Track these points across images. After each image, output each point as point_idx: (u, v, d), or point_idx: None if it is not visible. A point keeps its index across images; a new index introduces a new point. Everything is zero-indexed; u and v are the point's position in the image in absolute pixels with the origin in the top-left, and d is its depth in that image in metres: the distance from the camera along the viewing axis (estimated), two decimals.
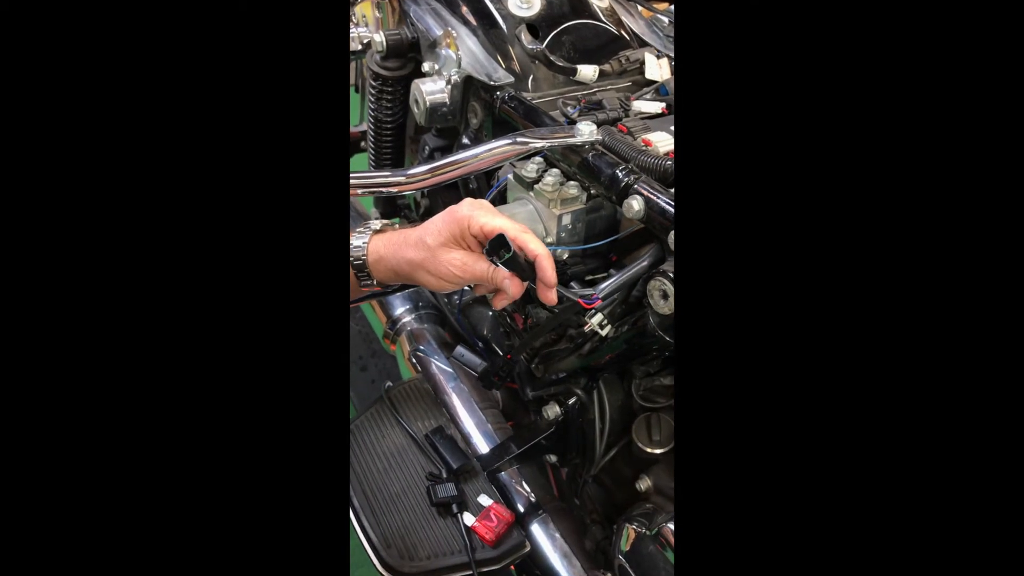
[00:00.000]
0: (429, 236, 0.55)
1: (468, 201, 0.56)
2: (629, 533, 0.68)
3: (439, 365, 0.91)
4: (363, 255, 0.57)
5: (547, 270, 0.53)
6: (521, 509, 0.75)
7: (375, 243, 0.58)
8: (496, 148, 0.62)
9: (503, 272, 0.53)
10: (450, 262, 0.54)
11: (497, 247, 0.51)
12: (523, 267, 0.53)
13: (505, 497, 0.73)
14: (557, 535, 0.74)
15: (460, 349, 0.79)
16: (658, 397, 0.75)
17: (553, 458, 0.76)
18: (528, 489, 0.77)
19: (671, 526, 0.64)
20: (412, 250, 0.55)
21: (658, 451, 0.72)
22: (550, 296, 0.54)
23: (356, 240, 0.58)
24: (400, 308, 1.02)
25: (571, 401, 0.72)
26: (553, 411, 0.72)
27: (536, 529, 0.75)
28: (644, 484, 0.71)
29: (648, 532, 0.66)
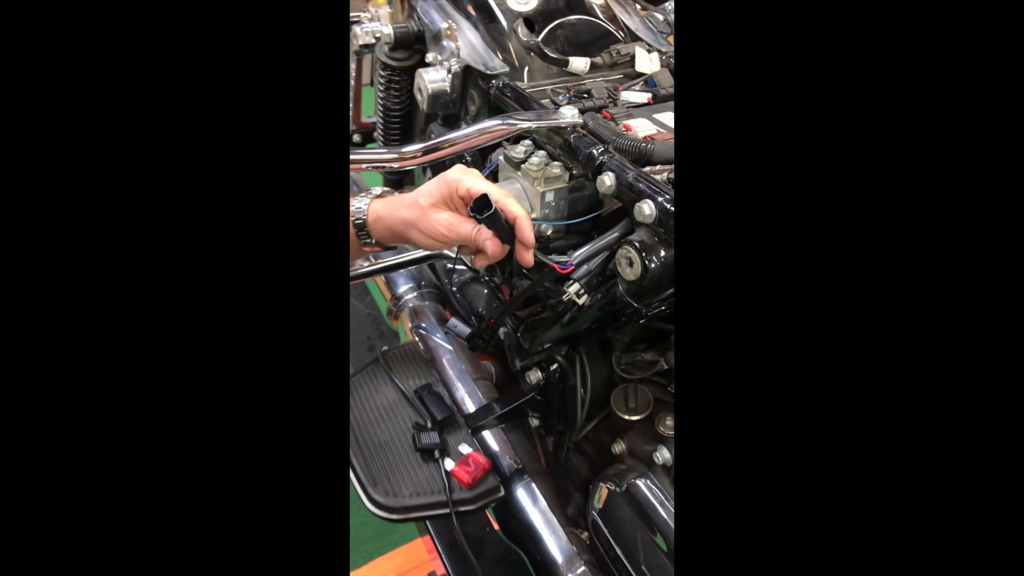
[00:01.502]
0: (422, 197, 0.61)
1: (458, 167, 0.62)
2: (602, 492, 0.73)
3: (437, 340, 0.97)
4: (363, 215, 0.63)
5: (525, 231, 0.59)
6: (507, 473, 0.80)
7: (375, 205, 0.63)
8: (486, 128, 0.68)
9: (486, 233, 0.59)
10: (439, 222, 0.60)
11: (480, 207, 0.56)
12: (504, 228, 0.58)
13: (493, 461, 0.78)
14: (540, 497, 0.79)
15: (453, 320, 0.85)
16: (636, 370, 0.80)
17: (536, 421, 0.81)
18: (514, 454, 0.83)
19: (640, 482, 0.69)
20: (406, 210, 0.61)
21: (634, 418, 0.77)
22: (527, 257, 0.60)
23: (358, 202, 0.64)
24: (403, 286, 1.08)
25: (552, 368, 0.77)
26: (535, 376, 0.77)
27: (520, 491, 0.80)
28: (619, 448, 0.76)
29: (619, 489, 0.71)
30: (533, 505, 0.78)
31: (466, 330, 0.84)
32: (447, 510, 0.61)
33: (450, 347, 0.93)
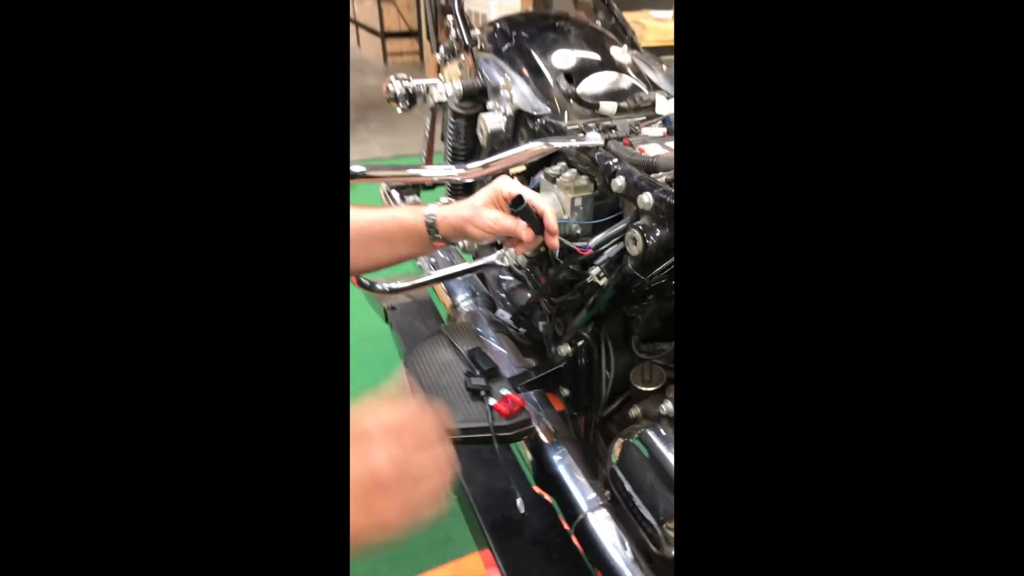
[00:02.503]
0: (476, 199, 0.81)
1: (503, 177, 0.82)
2: (618, 446, 0.87)
3: (488, 339, 1.15)
4: (433, 217, 0.84)
5: (550, 222, 0.78)
6: (542, 437, 0.95)
7: (441, 210, 0.84)
8: (530, 147, 0.88)
9: (522, 224, 0.78)
10: (488, 217, 0.79)
11: (516, 203, 0.76)
12: (535, 219, 0.77)
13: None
14: (567, 453, 0.94)
15: (500, 312, 1.03)
16: (652, 353, 0.95)
17: (567, 392, 0.96)
18: (548, 424, 0.98)
19: (649, 431, 0.83)
20: (465, 210, 0.81)
21: (649, 388, 0.91)
22: (553, 241, 0.78)
23: (429, 208, 0.85)
24: (461, 295, 1.27)
25: (580, 343, 0.94)
26: (565, 349, 0.93)
27: (551, 449, 0.95)
28: (635, 411, 0.90)
29: (632, 439, 0.85)
30: (561, 460, 0.92)
31: (508, 318, 1.02)
32: (488, 434, 0.77)
33: (498, 342, 1.11)
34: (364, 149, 3.89)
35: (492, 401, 0.79)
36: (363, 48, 6.81)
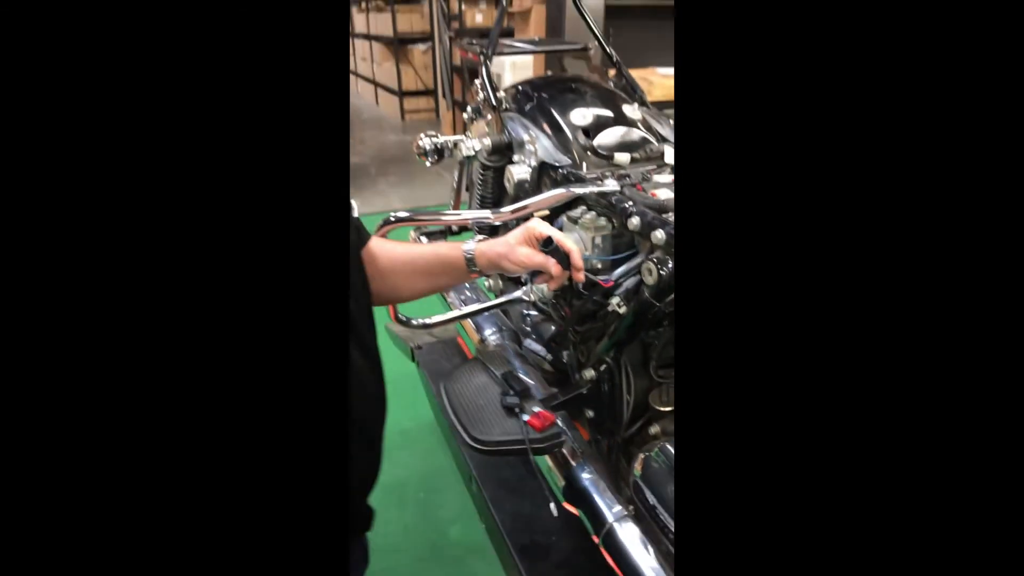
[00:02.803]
0: (511, 238, 0.92)
1: (534, 219, 0.93)
2: (639, 461, 0.95)
3: (515, 368, 1.24)
4: (472, 252, 0.95)
5: (576, 259, 0.88)
6: (569, 459, 1.04)
7: (479, 246, 0.95)
8: (555, 194, 1.00)
9: (552, 260, 0.89)
10: (522, 253, 0.90)
11: (547, 243, 0.87)
12: (562, 256, 0.88)
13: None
14: (592, 470, 1.02)
15: (528, 342, 1.13)
16: (668, 377, 1.04)
17: (590, 413, 1.05)
18: (575, 444, 1.06)
19: (668, 444, 0.91)
20: (501, 246, 0.92)
21: (666, 408, 1.00)
22: (579, 276, 0.89)
23: (468, 244, 0.96)
24: (488, 330, 1.37)
25: (602, 368, 1.03)
26: (589, 374, 1.03)
27: (579, 471, 1.03)
28: (654, 429, 0.99)
29: (652, 454, 0.93)
30: (588, 477, 1.01)
31: (539, 347, 1.12)
32: (524, 446, 0.86)
33: (525, 372, 1.20)
34: (384, 201, 4.07)
35: (526, 417, 0.88)
36: (382, 106, 7.14)
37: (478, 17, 5.25)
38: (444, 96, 5.82)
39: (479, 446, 0.87)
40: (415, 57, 6.22)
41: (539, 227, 0.90)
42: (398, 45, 6.16)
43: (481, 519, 1.46)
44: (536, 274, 0.93)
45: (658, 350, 1.02)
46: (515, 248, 0.91)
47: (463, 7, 5.10)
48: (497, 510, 1.31)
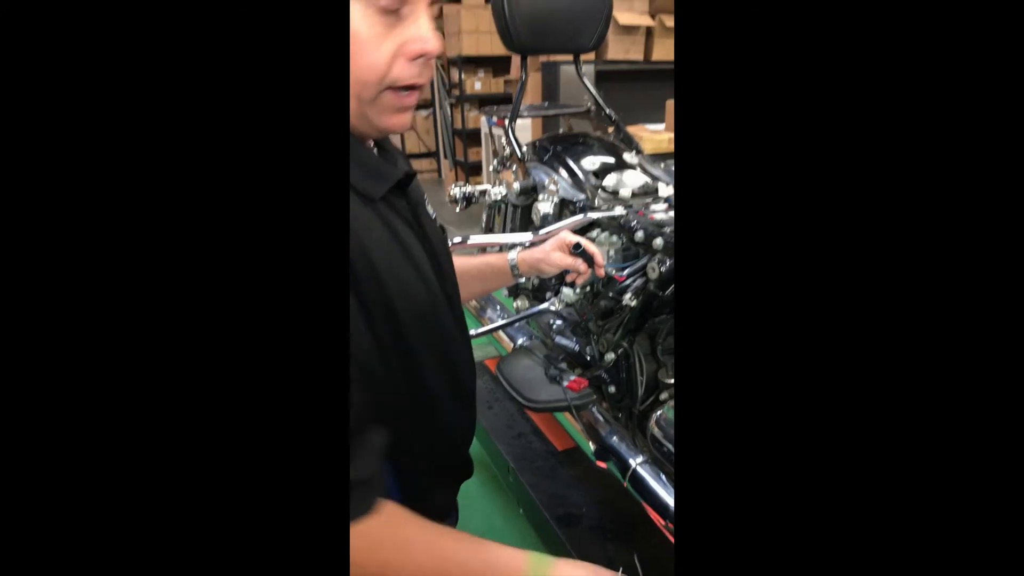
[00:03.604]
0: (547, 246, 1.22)
1: (564, 232, 1.24)
2: (653, 419, 1.23)
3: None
4: (515, 260, 1.25)
5: (599, 258, 1.19)
6: (596, 427, 1.31)
7: (520, 254, 1.25)
8: (576, 219, 1.32)
9: (580, 260, 1.19)
10: (556, 256, 1.20)
11: (577, 246, 1.18)
12: (588, 258, 1.19)
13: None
14: (617, 435, 1.29)
15: (557, 338, 1.42)
16: (672, 356, 1.33)
17: (612, 389, 1.33)
18: (601, 412, 1.34)
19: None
20: (539, 252, 1.22)
21: (672, 380, 1.29)
22: (600, 271, 1.19)
23: (512, 254, 1.26)
24: (520, 338, 1.67)
25: (619, 351, 1.32)
26: (609, 356, 1.32)
27: (606, 433, 1.30)
28: (664, 395, 1.27)
29: (663, 411, 1.21)
30: (613, 435, 1.28)
31: (567, 341, 1.41)
32: (566, 403, 1.14)
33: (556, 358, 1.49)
34: None
35: (565, 382, 1.16)
36: None
37: (476, 84, 5.75)
38: (446, 156, 6.26)
39: (532, 404, 1.15)
40: (417, 122, 6.71)
41: (568, 236, 1.21)
42: None
43: (519, 504, 1.71)
44: (564, 276, 1.23)
45: (663, 337, 1.32)
46: (550, 253, 1.21)
47: (463, 76, 5.59)
48: (534, 490, 1.57)
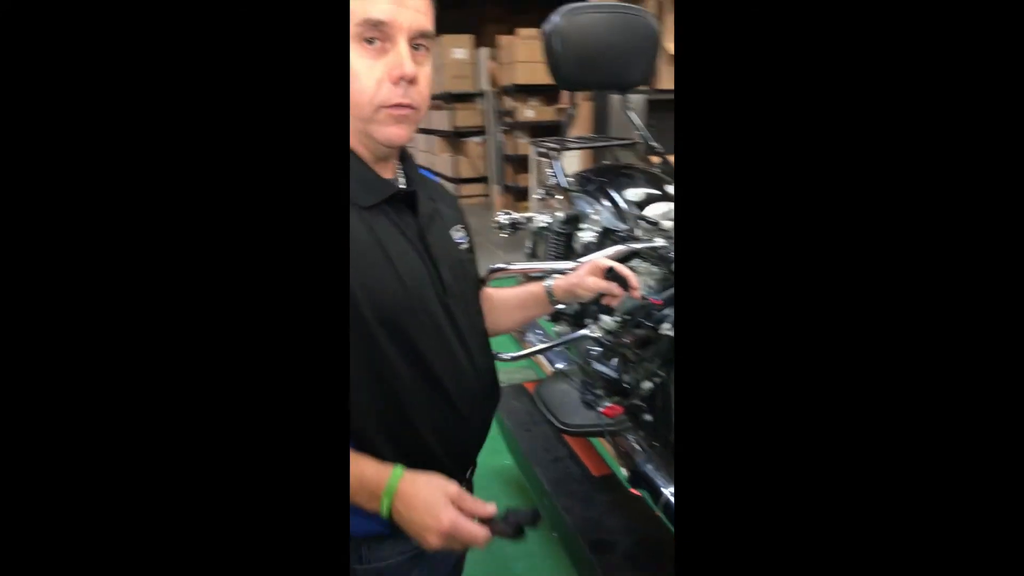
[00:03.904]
0: (581, 271, 1.26)
1: (598, 257, 1.28)
2: None
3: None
4: (551, 286, 1.29)
5: (633, 280, 1.21)
6: (631, 455, 1.33)
7: (556, 281, 1.29)
8: (618, 248, 1.36)
9: (614, 284, 1.22)
10: (590, 280, 1.23)
11: (610, 270, 1.21)
12: (622, 280, 1.22)
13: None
14: (651, 464, 1.31)
15: (595, 364, 1.45)
16: None
17: (648, 417, 1.35)
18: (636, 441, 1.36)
19: None
20: (574, 278, 1.25)
21: None
22: (635, 293, 1.22)
23: (547, 282, 1.30)
24: (559, 363, 1.70)
25: (657, 380, 1.34)
26: (647, 385, 1.34)
27: (641, 461, 1.32)
28: None
29: None
30: (647, 464, 1.29)
31: (606, 368, 1.44)
32: (600, 428, 1.17)
33: (592, 385, 1.52)
34: None
35: (601, 408, 1.19)
36: None
37: (528, 112, 5.88)
38: (496, 182, 6.39)
39: (568, 428, 1.18)
40: (470, 149, 6.88)
41: (602, 261, 1.24)
42: (455, 138, 6.86)
43: (553, 529, 1.72)
44: (600, 300, 1.26)
45: None
46: (585, 278, 1.24)
47: (515, 104, 5.73)
48: (569, 515, 1.58)
